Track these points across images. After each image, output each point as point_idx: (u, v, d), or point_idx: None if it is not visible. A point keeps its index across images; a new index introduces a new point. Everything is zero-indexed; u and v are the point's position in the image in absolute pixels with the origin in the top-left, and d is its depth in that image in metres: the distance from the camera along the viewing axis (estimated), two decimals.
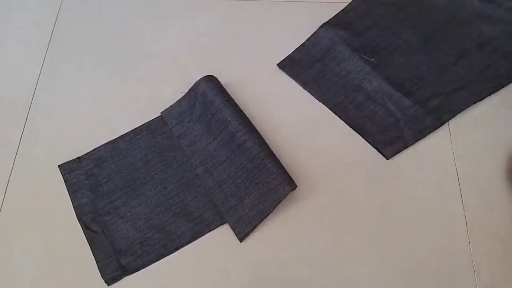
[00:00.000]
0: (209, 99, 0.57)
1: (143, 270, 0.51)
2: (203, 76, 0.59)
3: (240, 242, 0.52)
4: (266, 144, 0.55)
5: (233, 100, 0.58)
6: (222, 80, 0.60)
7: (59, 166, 0.56)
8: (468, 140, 0.56)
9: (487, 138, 0.57)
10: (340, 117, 0.59)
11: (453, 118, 0.58)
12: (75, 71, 0.65)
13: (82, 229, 0.53)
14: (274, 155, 0.54)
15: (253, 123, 0.57)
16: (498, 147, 0.56)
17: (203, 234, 0.52)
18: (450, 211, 0.52)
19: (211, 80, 0.59)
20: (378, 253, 0.51)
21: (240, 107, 0.58)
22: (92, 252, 0.51)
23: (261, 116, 0.59)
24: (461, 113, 0.58)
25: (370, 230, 0.52)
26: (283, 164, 0.53)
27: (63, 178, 0.56)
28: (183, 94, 0.60)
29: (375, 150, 0.57)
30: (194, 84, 0.59)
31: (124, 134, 0.58)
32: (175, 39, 0.67)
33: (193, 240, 0.52)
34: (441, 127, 0.58)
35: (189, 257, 0.51)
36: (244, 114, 0.57)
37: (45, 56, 0.66)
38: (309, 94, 0.61)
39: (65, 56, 0.66)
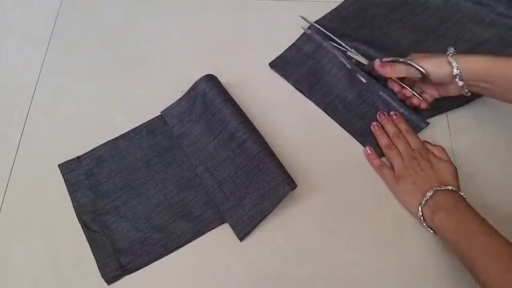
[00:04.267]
0: (209, 99, 0.57)
1: (143, 269, 0.51)
2: (203, 75, 0.59)
3: (240, 241, 0.51)
4: (266, 143, 0.55)
5: (233, 99, 0.58)
6: (222, 79, 0.60)
7: (59, 165, 0.56)
8: (469, 139, 0.56)
9: (488, 138, 0.57)
10: (331, 117, 0.59)
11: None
12: (75, 71, 0.65)
13: (82, 229, 0.53)
14: (274, 154, 0.54)
15: (253, 122, 0.57)
16: (499, 147, 0.56)
17: (203, 234, 0.52)
18: None
19: (211, 79, 0.59)
20: (379, 253, 0.51)
21: (240, 106, 0.58)
22: (92, 252, 0.51)
23: (262, 115, 0.59)
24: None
25: (370, 230, 0.52)
26: (283, 164, 0.53)
27: (63, 177, 0.56)
28: (183, 93, 0.60)
29: None
30: (194, 83, 0.59)
31: (124, 134, 0.58)
32: (175, 38, 0.67)
33: (193, 240, 0.52)
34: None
35: (189, 256, 0.51)
36: (244, 114, 0.57)
37: (45, 56, 0.66)
38: None
39: (65, 56, 0.66)
